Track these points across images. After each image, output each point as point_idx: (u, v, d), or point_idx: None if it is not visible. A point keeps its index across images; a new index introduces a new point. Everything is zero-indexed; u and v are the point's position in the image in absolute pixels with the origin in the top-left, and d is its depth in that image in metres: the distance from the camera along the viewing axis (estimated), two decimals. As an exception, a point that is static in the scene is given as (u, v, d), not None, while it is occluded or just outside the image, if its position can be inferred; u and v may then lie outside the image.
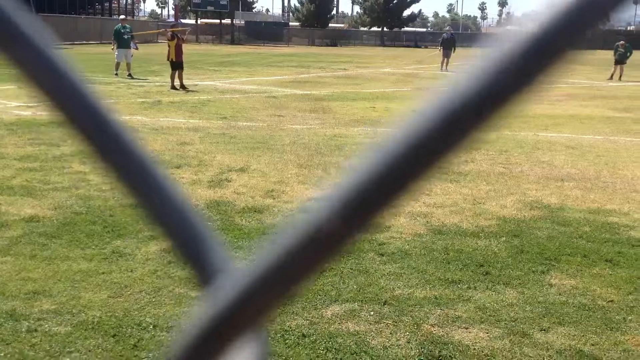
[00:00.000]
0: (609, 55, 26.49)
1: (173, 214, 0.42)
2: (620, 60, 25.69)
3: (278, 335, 3.93)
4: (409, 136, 0.30)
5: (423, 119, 0.30)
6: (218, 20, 67.92)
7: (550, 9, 0.27)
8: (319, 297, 4.49)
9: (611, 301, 4.56)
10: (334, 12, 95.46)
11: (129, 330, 3.98)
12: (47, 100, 0.39)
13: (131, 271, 4.86)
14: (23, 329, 3.93)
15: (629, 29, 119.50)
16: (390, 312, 4.31)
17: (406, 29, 79.29)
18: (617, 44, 26.40)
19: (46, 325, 3.99)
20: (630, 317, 4.31)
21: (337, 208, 0.32)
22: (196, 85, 19.00)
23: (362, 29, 79.46)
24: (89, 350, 3.74)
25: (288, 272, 0.34)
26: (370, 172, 0.31)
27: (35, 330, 3.93)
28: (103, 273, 4.82)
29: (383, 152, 0.31)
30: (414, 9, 76.24)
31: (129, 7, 68.91)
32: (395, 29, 75.58)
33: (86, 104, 0.41)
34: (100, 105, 0.41)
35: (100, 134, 0.41)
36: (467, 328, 4.14)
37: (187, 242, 0.41)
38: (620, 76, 25.17)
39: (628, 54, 25.88)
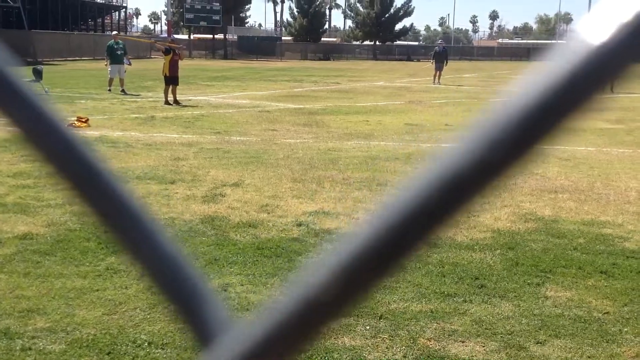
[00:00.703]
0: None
1: (166, 269, 0.41)
2: None
3: (274, 351, 3.91)
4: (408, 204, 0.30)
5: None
6: (211, 36, 68.10)
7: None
8: (314, 312, 4.48)
9: (607, 313, 4.56)
10: (327, 26, 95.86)
11: (124, 347, 3.96)
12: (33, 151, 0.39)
13: (126, 288, 4.83)
14: (17, 348, 3.91)
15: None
16: (386, 326, 4.30)
17: (398, 42, 79.66)
18: None
19: (40, 344, 3.97)
20: (626, 329, 4.32)
21: (336, 275, 0.32)
22: (190, 100, 19.01)
23: (354, 42, 79.80)
24: (84, 369, 3.72)
25: (288, 336, 0.34)
26: (369, 239, 0.31)
27: (30, 349, 3.90)
28: (97, 290, 4.79)
29: (381, 221, 0.30)
30: (405, 22, 76.76)
31: (122, 23, 68.99)
32: (388, 43, 75.93)
33: (72, 151, 0.40)
34: (88, 154, 0.41)
35: (89, 182, 0.41)
36: (463, 342, 4.13)
37: (182, 298, 0.40)
38: (612, 87, 25.27)
39: None
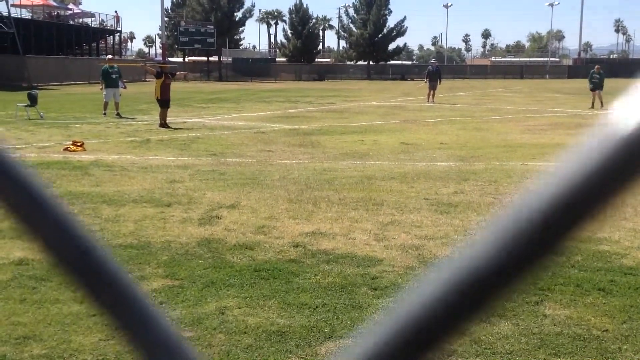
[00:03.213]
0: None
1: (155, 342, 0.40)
2: (596, 87, 25.81)
3: (272, 374, 3.88)
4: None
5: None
6: (205, 58, 68.33)
7: None
8: (312, 334, 4.45)
9: (606, 331, 4.54)
10: (320, 47, 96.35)
11: (121, 373, 3.92)
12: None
13: (122, 313, 4.80)
14: (13, 375, 3.87)
15: (611, 57, 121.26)
16: (385, 347, 4.27)
17: (392, 62, 79.99)
18: (592, 71, 26.61)
19: (37, 371, 3.93)
20: (625, 347, 4.30)
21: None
22: (185, 122, 19.04)
23: (348, 63, 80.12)
24: (81, 396, 3.68)
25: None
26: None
27: (26, 376, 3.86)
28: (94, 315, 4.75)
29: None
30: (399, 42, 76.60)
31: (116, 47, 69.16)
32: (381, 63, 76.22)
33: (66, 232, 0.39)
34: (78, 231, 0.40)
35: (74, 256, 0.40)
36: (462, 362, 4.10)
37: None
38: (602, 104, 25.34)
39: (604, 79, 26.02)
